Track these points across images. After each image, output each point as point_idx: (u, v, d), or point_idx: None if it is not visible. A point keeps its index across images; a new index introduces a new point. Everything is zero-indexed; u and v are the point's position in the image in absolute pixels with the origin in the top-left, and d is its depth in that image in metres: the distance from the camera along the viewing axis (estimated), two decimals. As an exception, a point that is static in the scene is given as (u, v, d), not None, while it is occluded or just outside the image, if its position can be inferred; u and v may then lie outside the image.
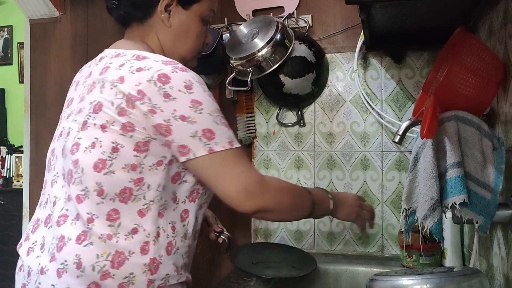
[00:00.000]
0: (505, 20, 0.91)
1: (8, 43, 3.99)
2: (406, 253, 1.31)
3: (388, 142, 1.50)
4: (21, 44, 3.81)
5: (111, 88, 0.90)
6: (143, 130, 0.87)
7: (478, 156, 0.85)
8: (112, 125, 0.88)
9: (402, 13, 1.10)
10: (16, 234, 3.11)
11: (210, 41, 1.15)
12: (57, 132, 1.02)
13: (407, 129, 0.97)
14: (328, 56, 1.56)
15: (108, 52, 1.00)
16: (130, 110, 0.87)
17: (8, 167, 3.62)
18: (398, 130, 0.98)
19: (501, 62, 0.92)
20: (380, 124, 1.51)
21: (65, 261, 0.87)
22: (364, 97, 1.50)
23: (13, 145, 3.75)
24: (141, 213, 0.89)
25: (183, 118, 0.87)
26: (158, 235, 0.90)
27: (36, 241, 0.95)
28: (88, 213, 0.88)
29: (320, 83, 1.54)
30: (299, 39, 1.50)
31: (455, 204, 0.82)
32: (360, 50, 1.50)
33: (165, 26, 1.02)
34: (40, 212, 0.99)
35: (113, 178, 0.88)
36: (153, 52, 1.00)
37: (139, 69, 0.90)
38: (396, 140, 0.98)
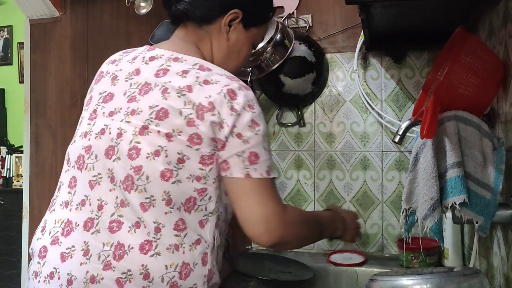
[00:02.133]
0: (505, 20, 0.91)
1: (8, 43, 3.99)
2: (412, 255, 1.31)
3: (388, 142, 1.50)
4: (21, 44, 3.81)
5: (179, 96, 0.87)
6: (211, 142, 0.87)
7: (478, 156, 0.85)
8: (179, 135, 0.86)
9: (402, 13, 1.10)
10: (16, 234, 3.11)
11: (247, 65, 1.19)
12: (92, 128, 0.94)
13: (407, 129, 0.97)
14: (328, 56, 1.56)
15: (161, 53, 0.96)
16: (199, 121, 0.86)
17: (8, 167, 3.62)
18: (398, 130, 0.98)
19: (501, 62, 0.92)
20: (380, 124, 1.51)
21: (129, 270, 0.84)
22: (364, 97, 1.50)
23: (13, 145, 3.74)
24: (202, 224, 0.90)
25: (239, 135, 0.87)
26: (214, 246, 0.91)
27: (73, 246, 0.88)
28: (154, 222, 0.86)
29: (320, 83, 1.54)
30: (299, 39, 1.50)
31: (455, 204, 0.82)
32: (360, 50, 1.50)
33: (223, 38, 1.01)
34: (71, 214, 0.91)
35: (180, 187, 0.87)
36: (205, 59, 0.98)
37: (206, 82, 0.89)
38: (396, 140, 0.98)
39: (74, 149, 0.96)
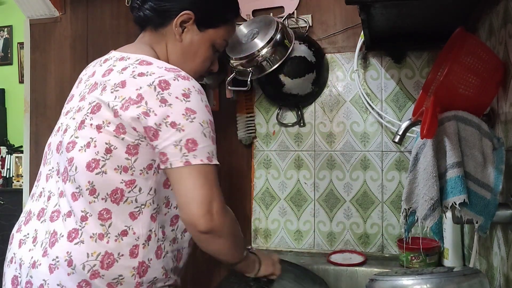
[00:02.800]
0: (505, 20, 0.91)
1: (8, 43, 3.99)
2: (412, 255, 1.31)
3: (388, 142, 1.50)
4: (21, 44, 3.81)
5: (112, 92, 0.90)
6: (133, 132, 0.88)
7: (478, 156, 0.85)
8: (107, 126, 0.89)
9: (402, 13, 1.10)
10: (16, 234, 3.11)
11: (216, 69, 1.15)
12: (56, 127, 1.03)
13: (407, 129, 0.97)
14: (328, 56, 1.56)
15: (113, 55, 1.01)
16: (122, 112, 0.88)
17: (8, 167, 3.62)
18: (398, 130, 0.98)
19: (501, 62, 0.92)
20: (380, 124, 1.51)
21: (57, 257, 0.88)
22: (364, 97, 1.50)
23: (13, 145, 3.74)
24: (133, 216, 0.90)
25: (173, 124, 0.87)
26: (149, 238, 0.91)
27: (28, 234, 0.96)
28: (82, 211, 0.89)
29: (320, 83, 1.54)
30: (299, 39, 1.50)
31: (455, 204, 0.82)
32: (360, 50, 1.50)
33: (176, 40, 1.03)
34: (33, 204, 0.99)
35: (104, 178, 0.88)
36: (159, 59, 1.00)
37: (141, 74, 0.90)
38: (396, 140, 0.98)
39: (45, 147, 1.05)
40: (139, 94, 0.88)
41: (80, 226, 0.89)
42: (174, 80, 0.89)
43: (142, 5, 1.04)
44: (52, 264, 0.88)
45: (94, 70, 1.01)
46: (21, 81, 3.82)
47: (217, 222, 0.87)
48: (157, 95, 0.87)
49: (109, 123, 0.89)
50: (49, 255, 0.89)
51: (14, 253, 0.96)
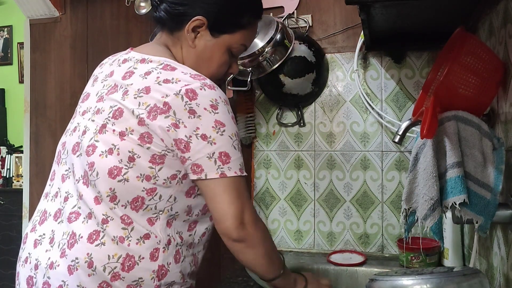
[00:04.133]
0: (505, 20, 0.91)
1: (8, 43, 3.99)
2: (412, 255, 1.31)
3: (388, 142, 1.50)
4: (21, 44, 3.81)
5: (135, 98, 0.89)
6: (161, 142, 0.87)
7: (478, 156, 0.85)
8: (131, 134, 0.88)
9: (402, 13, 1.10)
10: (16, 234, 3.11)
11: (236, 72, 1.11)
12: (70, 126, 1.01)
13: (407, 129, 0.97)
14: (328, 56, 1.56)
15: (132, 55, 0.99)
16: (150, 121, 0.87)
17: (8, 167, 3.62)
18: (398, 130, 0.98)
19: (501, 62, 0.92)
20: (380, 124, 1.51)
21: (76, 258, 0.88)
22: (364, 97, 1.50)
23: (13, 145, 3.74)
24: (151, 221, 0.91)
25: (204, 137, 0.87)
26: (169, 242, 0.92)
27: (44, 234, 0.95)
28: (104, 214, 0.89)
29: (320, 83, 1.54)
30: (299, 39, 1.50)
31: (455, 204, 0.82)
32: (360, 50, 1.50)
33: (189, 45, 1.00)
34: (48, 204, 0.99)
35: (126, 186, 0.88)
36: (177, 61, 0.98)
37: (166, 81, 0.89)
38: (396, 140, 0.98)
39: (58, 146, 1.04)
40: (165, 103, 0.87)
41: (101, 228, 0.89)
42: (201, 89, 0.88)
43: (159, 5, 1.01)
44: (71, 265, 0.88)
45: (112, 70, 0.99)
46: (21, 81, 3.82)
47: (249, 231, 0.90)
48: (185, 105, 0.86)
49: (133, 130, 0.88)
50: (67, 256, 0.89)
51: (29, 253, 0.96)
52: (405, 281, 0.81)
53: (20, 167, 3.54)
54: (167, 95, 0.87)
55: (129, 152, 0.88)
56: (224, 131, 0.89)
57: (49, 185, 1.02)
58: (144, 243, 0.89)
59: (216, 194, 0.89)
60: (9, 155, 3.64)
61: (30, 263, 0.94)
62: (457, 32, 0.95)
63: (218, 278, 1.61)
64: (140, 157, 0.88)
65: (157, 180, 0.89)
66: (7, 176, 3.60)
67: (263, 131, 1.61)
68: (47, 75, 1.88)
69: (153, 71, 0.91)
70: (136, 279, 0.88)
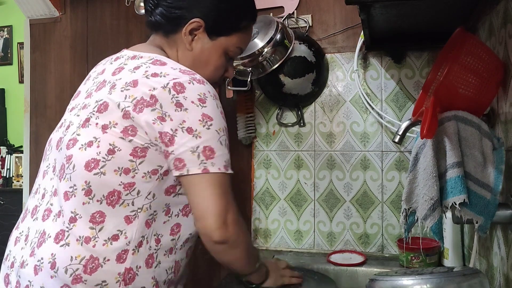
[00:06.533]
0: (505, 20, 0.91)
1: (8, 43, 3.99)
2: (412, 255, 1.31)
3: (388, 142, 1.50)
4: (21, 44, 3.81)
5: (122, 91, 0.88)
6: (145, 135, 0.85)
7: (478, 156, 0.85)
8: (114, 127, 0.86)
9: (402, 13, 1.10)
10: (16, 234, 3.11)
11: (231, 76, 1.11)
12: (59, 123, 1.01)
13: (407, 129, 0.97)
14: (328, 56, 1.56)
15: (125, 53, 0.98)
16: (136, 114, 0.85)
17: (8, 167, 3.62)
18: (398, 130, 0.98)
19: (501, 62, 0.92)
20: (380, 124, 1.51)
21: (42, 258, 0.86)
22: (364, 97, 1.50)
23: (13, 145, 3.75)
24: (128, 220, 0.87)
25: (189, 130, 0.85)
26: (140, 245, 0.87)
27: (22, 232, 0.94)
28: (72, 212, 0.86)
29: (320, 83, 1.54)
30: (299, 39, 1.50)
31: (455, 204, 0.82)
32: (360, 50, 1.50)
33: (186, 48, 0.99)
34: (30, 201, 0.98)
35: (102, 179, 0.86)
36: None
37: (154, 75, 0.88)
38: (396, 140, 0.98)
39: (47, 143, 1.03)
40: (152, 96, 0.85)
41: (67, 227, 0.86)
42: (190, 83, 0.87)
43: (154, 9, 1.00)
44: (37, 265, 0.86)
45: (104, 68, 0.98)
46: (21, 81, 3.82)
47: (232, 233, 0.87)
48: (172, 99, 0.85)
49: (116, 124, 0.86)
50: (35, 256, 0.87)
51: (10, 251, 0.95)
52: (405, 281, 0.81)
53: (20, 167, 3.55)
54: (154, 88, 0.86)
55: (110, 145, 0.86)
56: (211, 125, 0.86)
57: (35, 182, 1.01)
58: (111, 244, 0.85)
59: (198, 190, 0.86)
60: (9, 155, 3.65)
61: (8, 260, 0.93)
62: (457, 32, 0.95)
63: (218, 278, 1.61)
64: (120, 150, 0.85)
65: (136, 173, 0.86)
66: (7, 176, 3.60)
67: (263, 131, 1.61)
68: (47, 75, 1.88)
69: (142, 66, 0.90)
70: (100, 283, 0.84)
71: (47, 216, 0.90)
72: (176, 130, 0.84)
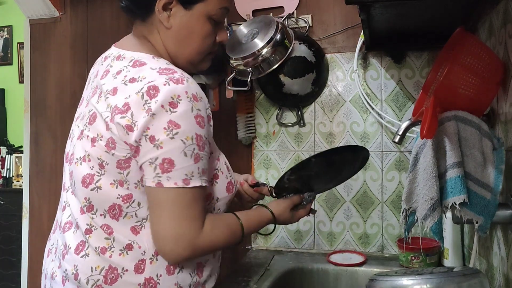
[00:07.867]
0: (505, 20, 0.91)
1: (8, 43, 3.98)
2: (412, 255, 1.31)
3: (388, 142, 1.50)
4: (21, 44, 3.81)
5: (105, 100, 0.84)
6: (124, 145, 0.81)
7: (478, 156, 0.85)
8: (100, 140, 0.83)
9: (402, 13, 1.10)
10: (16, 234, 3.11)
11: (225, 38, 1.00)
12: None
13: (407, 129, 0.97)
14: (328, 56, 1.56)
15: (112, 52, 0.95)
16: (112, 124, 0.81)
17: (8, 167, 3.62)
18: (398, 130, 0.98)
19: (501, 62, 0.92)
20: (380, 124, 1.51)
21: (66, 270, 0.87)
22: (364, 97, 1.50)
23: (13, 145, 3.74)
24: (135, 230, 0.85)
25: (152, 139, 0.79)
26: (157, 253, 0.85)
27: (53, 244, 0.96)
28: (87, 224, 0.87)
29: (320, 83, 1.54)
30: (299, 39, 1.50)
31: (455, 204, 0.82)
32: (360, 50, 1.50)
33: (165, 27, 0.92)
34: (57, 214, 0.99)
35: (100, 194, 0.84)
36: (158, 52, 0.93)
37: (132, 80, 0.83)
38: (396, 140, 0.98)
39: None
40: (125, 104, 0.80)
41: (86, 239, 0.86)
42: (165, 84, 0.80)
43: None
44: (64, 276, 0.88)
45: (97, 69, 0.96)
46: (21, 81, 3.82)
47: (183, 259, 0.83)
48: (144, 105, 0.79)
49: (102, 136, 0.83)
50: (61, 267, 0.89)
51: (44, 262, 0.98)
52: (405, 281, 0.81)
53: (20, 167, 3.54)
54: (129, 96, 0.81)
55: (98, 159, 0.83)
56: (176, 133, 0.78)
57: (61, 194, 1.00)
58: (127, 254, 0.84)
59: (153, 206, 0.82)
60: (9, 155, 3.65)
61: (43, 272, 0.96)
62: (457, 32, 0.95)
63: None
64: (108, 164, 0.83)
65: (129, 185, 0.83)
66: (7, 176, 3.60)
67: (263, 131, 1.61)
68: (47, 75, 1.88)
69: (123, 70, 0.86)
70: None
71: (67, 229, 0.91)
72: (140, 139, 0.79)
